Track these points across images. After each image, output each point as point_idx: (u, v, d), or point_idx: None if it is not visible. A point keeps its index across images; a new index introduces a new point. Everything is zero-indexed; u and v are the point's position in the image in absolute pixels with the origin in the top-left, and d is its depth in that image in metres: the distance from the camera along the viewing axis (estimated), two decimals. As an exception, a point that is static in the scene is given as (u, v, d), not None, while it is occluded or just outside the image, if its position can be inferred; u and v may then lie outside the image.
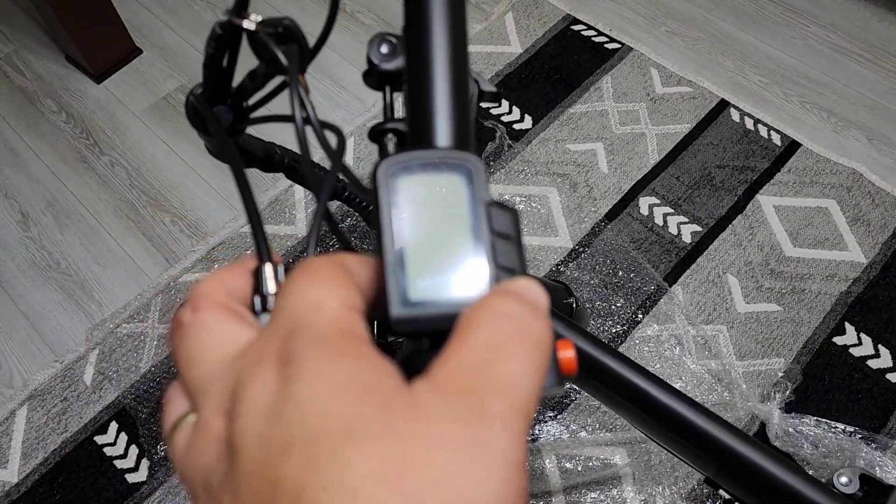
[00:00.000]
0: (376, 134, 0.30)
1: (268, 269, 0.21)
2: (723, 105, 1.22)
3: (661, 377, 0.48)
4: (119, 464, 0.96)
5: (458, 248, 0.20)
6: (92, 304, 1.11)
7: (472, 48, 1.33)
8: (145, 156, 1.26)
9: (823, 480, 0.48)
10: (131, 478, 0.95)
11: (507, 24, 1.36)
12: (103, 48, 1.33)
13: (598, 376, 0.48)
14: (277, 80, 0.30)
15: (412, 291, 0.19)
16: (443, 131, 0.24)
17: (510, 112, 1.25)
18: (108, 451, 0.97)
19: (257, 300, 0.21)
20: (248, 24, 0.25)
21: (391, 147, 0.30)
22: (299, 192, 1.20)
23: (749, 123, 1.20)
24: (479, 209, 0.20)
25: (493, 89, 0.32)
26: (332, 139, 0.26)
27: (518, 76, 1.29)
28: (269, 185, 1.20)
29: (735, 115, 1.21)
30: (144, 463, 0.96)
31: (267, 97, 0.32)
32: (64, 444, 0.98)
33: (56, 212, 1.21)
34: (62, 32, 1.28)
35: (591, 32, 1.33)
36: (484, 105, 1.25)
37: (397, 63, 0.30)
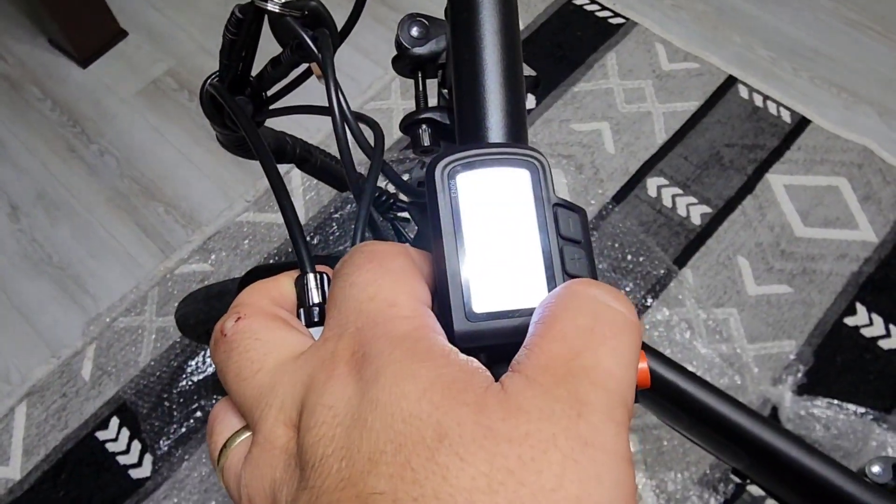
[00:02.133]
0: (409, 125, 0.28)
1: (311, 279, 0.20)
2: (731, 81, 1.19)
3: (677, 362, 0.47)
4: (122, 459, 0.95)
5: (524, 257, 0.18)
6: (87, 298, 1.08)
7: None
8: (135, 143, 1.22)
9: (854, 469, 0.47)
10: (135, 473, 0.94)
11: None
12: (88, 31, 1.28)
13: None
14: (300, 68, 0.28)
15: (476, 304, 0.18)
16: (498, 125, 0.22)
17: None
18: (110, 446, 0.96)
19: (302, 313, 0.20)
20: (272, 7, 0.23)
21: (426, 139, 0.28)
22: (296, 178, 1.17)
23: (758, 100, 1.18)
24: (546, 212, 0.19)
25: (533, 73, 0.30)
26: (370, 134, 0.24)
27: (520, 55, 1.25)
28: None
29: (743, 92, 1.19)
30: (148, 458, 0.95)
31: (289, 86, 0.30)
32: (65, 441, 0.96)
33: (46, 203, 1.17)
34: (45, 15, 1.23)
35: (594, 7, 1.29)
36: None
37: (431, 47, 0.28)
